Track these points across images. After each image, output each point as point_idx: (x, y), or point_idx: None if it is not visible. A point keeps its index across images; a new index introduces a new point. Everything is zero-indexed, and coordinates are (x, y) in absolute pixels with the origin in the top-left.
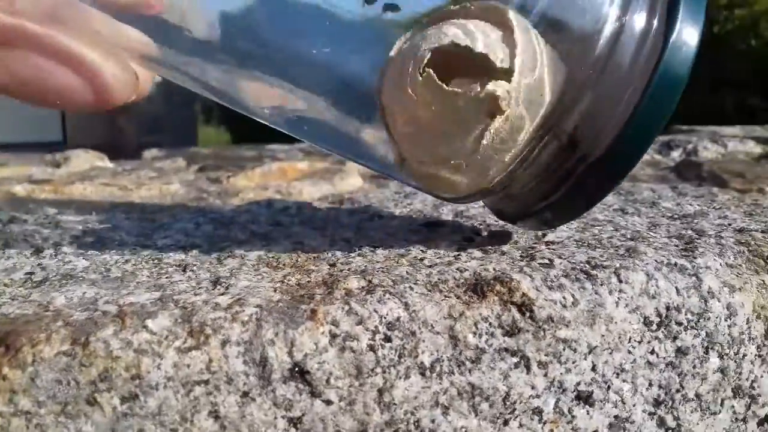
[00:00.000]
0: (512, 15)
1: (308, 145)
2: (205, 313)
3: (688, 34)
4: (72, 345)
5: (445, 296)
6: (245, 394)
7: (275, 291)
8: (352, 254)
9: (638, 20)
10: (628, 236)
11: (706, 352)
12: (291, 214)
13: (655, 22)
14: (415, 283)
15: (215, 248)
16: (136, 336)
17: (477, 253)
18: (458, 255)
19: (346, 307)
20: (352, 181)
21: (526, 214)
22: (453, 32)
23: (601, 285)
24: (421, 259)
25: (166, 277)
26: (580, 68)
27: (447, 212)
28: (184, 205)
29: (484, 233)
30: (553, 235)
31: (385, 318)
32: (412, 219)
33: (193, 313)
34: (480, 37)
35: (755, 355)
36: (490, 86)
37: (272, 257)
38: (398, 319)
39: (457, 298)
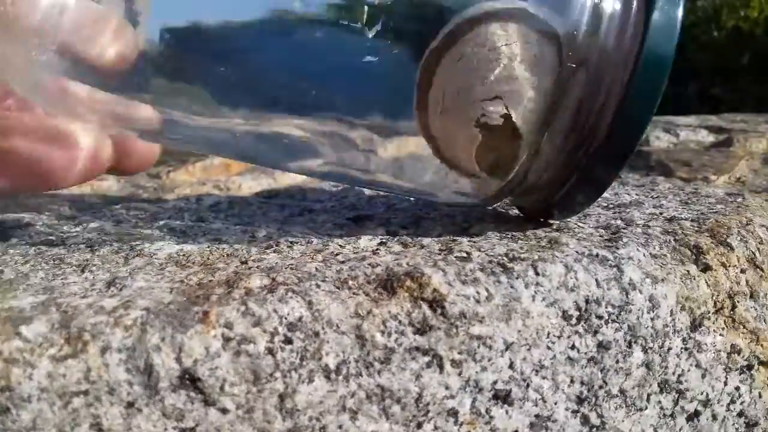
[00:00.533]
0: None
1: None
2: (86, 317)
3: (670, 10)
4: None
5: (354, 293)
6: (130, 405)
7: (171, 292)
8: (268, 251)
9: (615, 3)
10: (554, 227)
11: (629, 346)
12: (219, 210)
13: (635, 3)
14: (322, 281)
15: (126, 247)
16: (7, 344)
17: (396, 247)
18: (377, 249)
19: (243, 308)
20: (293, 175)
21: (541, 208)
22: None
23: (517, 278)
24: (337, 255)
25: (61, 279)
26: (567, 58)
27: (379, 205)
28: (112, 202)
29: (411, 225)
30: (478, 227)
31: (285, 318)
32: (342, 213)
33: (72, 318)
34: None
35: (681, 348)
36: None
37: (183, 255)
38: (300, 319)
39: (366, 295)
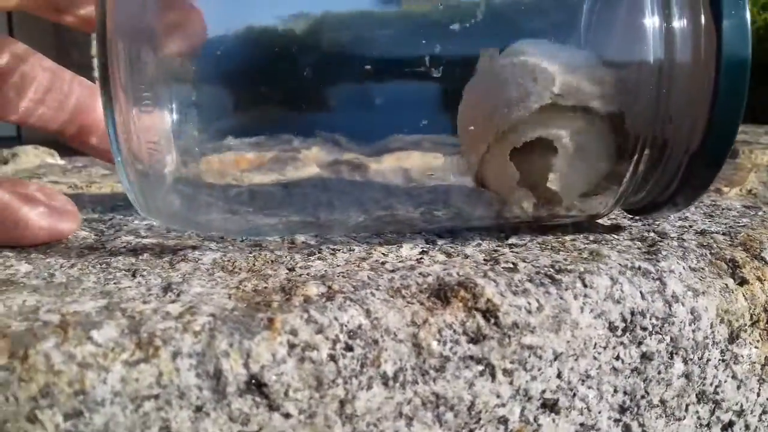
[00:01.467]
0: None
1: None
2: (155, 322)
3: (738, 19)
4: (10, 358)
5: (408, 302)
6: (199, 409)
7: (230, 298)
8: (312, 258)
9: (682, 24)
10: (591, 239)
11: (671, 358)
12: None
13: (702, 16)
14: (377, 289)
15: (168, 251)
16: (80, 348)
17: (440, 257)
18: (420, 259)
19: (305, 315)
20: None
21: (648, 209)
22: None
23: (566, 290)
24: (383, 263)
25: (114, 283)
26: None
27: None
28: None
29: (447, 235)
30: (516, 237)
31: (346, 326)
32: None
33: (141, 323)
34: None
35: (719, 360)
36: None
37: (228, 261)
38: (360, 326)
39: (421, 304)
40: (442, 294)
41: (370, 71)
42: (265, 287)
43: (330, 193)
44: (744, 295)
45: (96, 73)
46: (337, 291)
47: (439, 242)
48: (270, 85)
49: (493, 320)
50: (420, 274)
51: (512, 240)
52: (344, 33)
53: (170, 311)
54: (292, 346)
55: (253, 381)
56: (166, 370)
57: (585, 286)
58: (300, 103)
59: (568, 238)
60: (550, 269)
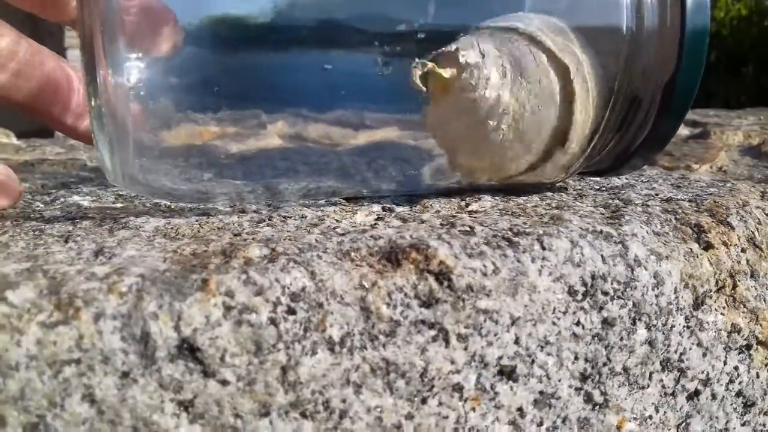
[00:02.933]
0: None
1: None
2: (77, 283)
3: None
4: None
5: (357, 265)
6: (125, 375)
7: (164, 261)
8: (261, 224)
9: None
10: (554, 205)
11: (634, 324)
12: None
13: None
14: (324, 251)
15: (109, 219)
16: None
17: (395, 222)
18: (375, 224)
19: (244, 277)
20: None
21: (615, 166)
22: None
23: (524, 252)
24: (334, 228)
25: (44, 248)
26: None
27: None
28: (85, 179)
29: (407, 203)
30: (477, 204)
31: (288, 288)
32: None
33: (62, 284)
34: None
35: (683, 326)
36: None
37: (171, 228)
38: (303, 289)
39: (370, 266)
40: (393, 256)
41: (327, 45)
42: (205, 251)
43: (287, 161)
44: (709, 260)
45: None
46: (280, 253)
47: (397, 209)
48: (234, 62)
49: (446, 283)
50: (371, 237)
51: (473, 207)
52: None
53: (96, 272)
54: (228, 308)
55: (185, 345)
56: (87, 332)
57: (544, 248)
58: (264, 80)
59: (530, 204)
60: (508, 232)
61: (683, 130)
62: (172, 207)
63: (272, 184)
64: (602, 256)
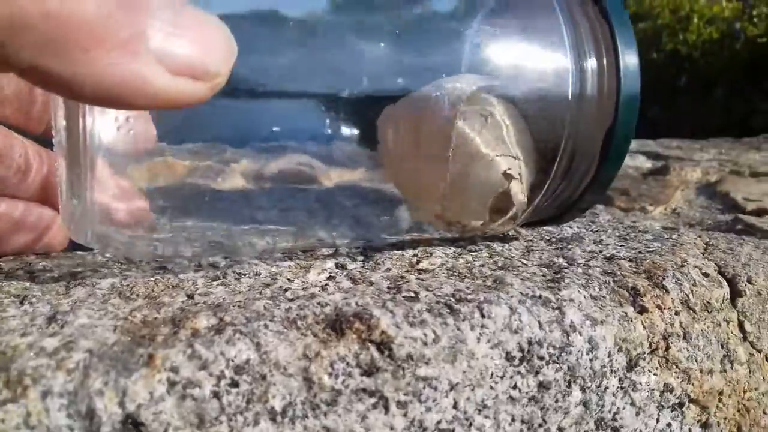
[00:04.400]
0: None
1: None
2: (27, 360)
3: (631, 60)
4: None
5: (302, 334)
6: None
7: (115, 330)
8: (215, 282)
9: (592, 64)
10: (500, 264)
11: (569, 386)
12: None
13: (605, 61)
14: (271, 320)
15: (66, 276)
16: None
17: (345, 283)
18: (326, 285)
19: (189, 351)
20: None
21: (560, 214)
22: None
23: (464, 320)
24: (285, 290)
25: (0, 311)
26: (559, 116)
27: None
28: None
29: (360, 258)
30: (427, 261)
31: (233, 361)
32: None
33: (13, 360)
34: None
35: (617, 387)
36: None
37: (127, 286)
38: (248, 361)
39: (315, 336)
40: (337, 326)
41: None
42: (156, 318)
43: (245, 212)
44: (643, 324)
45: None
46: (227, 323)
47: (350, 266)
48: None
49: (387, 352)
50: (318, 303)
51: (423, 264)
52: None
53: (46, 346)
54: (172, 383)
55: (130, 420)
56: (34, 410)
57: (483, 316)
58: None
59: (477, 263)
60: (451, 298)
61: (646, 163)
62: (129, 258)
63: (229, 237)
64: (539, 322)
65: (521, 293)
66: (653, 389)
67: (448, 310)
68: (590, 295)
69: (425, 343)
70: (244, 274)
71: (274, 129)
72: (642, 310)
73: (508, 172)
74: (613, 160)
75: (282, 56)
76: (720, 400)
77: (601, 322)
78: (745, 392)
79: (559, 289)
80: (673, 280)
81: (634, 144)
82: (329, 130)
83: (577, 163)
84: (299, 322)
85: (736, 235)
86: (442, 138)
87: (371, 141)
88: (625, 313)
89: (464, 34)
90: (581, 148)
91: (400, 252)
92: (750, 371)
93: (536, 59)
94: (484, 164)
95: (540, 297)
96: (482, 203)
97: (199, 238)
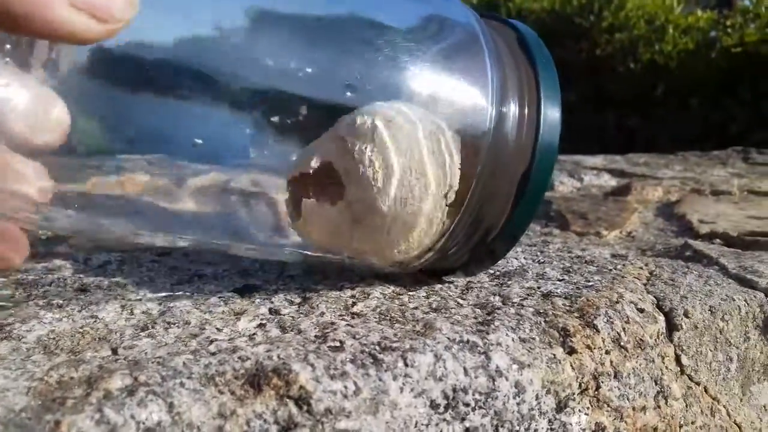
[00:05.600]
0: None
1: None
2: None
3: (552, 112)
4: None
5: (220, 392)
6: None
7: (28, 393)
8: (143, 333)
9: (513, 110)
10: (434, 306)
11: (496, 430)
12: (107, 273)
13: (526, 110)
14: (188, 377)
15: None
16: None
17: (273, 332)
18: (254, 334)
19: (98, 416)
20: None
21: (448, 271)
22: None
23: (387, 370)
24: (211, 342)
25: None
26: (474, 157)
27: (273, 269)
28: None
29: (297, 300)
30: (362, 304)
31: (143, 424)
32: (231, 281)
33: None
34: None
35: (547, 429)
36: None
37: (53, 338)
38: (159, 423)
39: (232, 393)
40: (256, 381)
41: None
42: (72, 378)
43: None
44: (572, 365)
45: None
46: (142, 383)
47: (284, 311)
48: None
49: (305, 407)
50: (239, 358)
51: (358, 307)
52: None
53: None
54: None
55: None
56: None
57: (407, 365)
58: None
59: (411, 305)
60: (377, 347)
61: (610, 181)
62: (64, 306)
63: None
64: (465, 368)
65: (449, 338)
66: (584, 429)
67: (372, 360)
68: (519, 337)
69: (345, 396)
70: (174, 323)
71: (196, 141)
72: (571, 351)
73: (412, 211)
74: (524, 208)
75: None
76: None
77: (529, 365)
78: (681, 427)
79: (488, 333)
80: (605, 319)
81: (601, 160)
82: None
83: (488, 208)
84: (218, 379)
85: (683, 263)
86: (346, 174)
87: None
88: (554, 354)
89: (391, 61)
90: (493, 193)
91: (337, 293)
92: (686, 405)
93: (458, 96)
94: (388, 203)
95: (468, 342)
96: (382, 242)
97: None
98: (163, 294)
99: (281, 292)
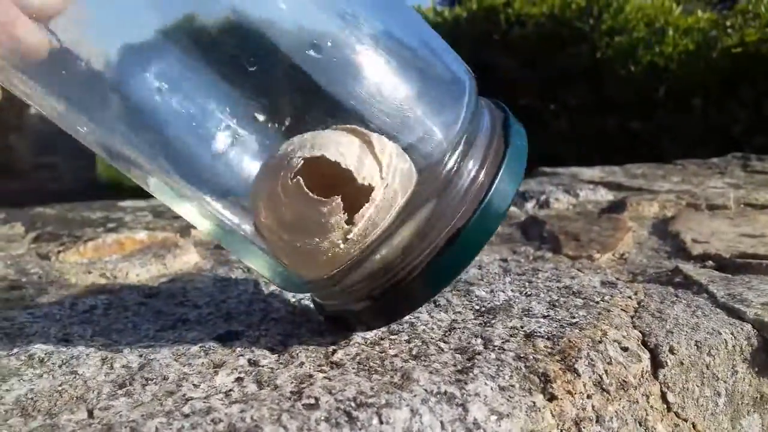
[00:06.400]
0: (375, 138)
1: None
2: None
3: (505, 187)
4: None
5: None
6: None
7: None
8: (120, 391)
9: (472, 167)
10: (414, 352)
11: None
12: (91, 320)
13: (483, 173)
14: None
15: None
16: None
17: (250, 388)
18: (230, 391)
19: None
20: (186, 258)
21: (347, 311)
22: (325, 145)
23: (361, 429)
24: (187, 401)
25: None
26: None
27: (257, 312)
28: None
29: (278, 348)
30: (343, 352)
31: None
32: (215, 326)
33: None
34: (347, 153)
35: None
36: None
37: (31, 399)
38: None
39: None
40: None
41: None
42: None
43: None
44: (552, 412)
45: None
46: None
47: (262, 362)
48: None
49: None
50: (212, 420)
51: (338, 355)
52: None
53: None
54: None
55: None
56: None
57: (381, 422)
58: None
59: (392, 352)
60: (352, 403)
61: (607, 196)
62: (45, 360)
63: None
64: (441, 422)
65: (426, 390)
66: None
67: (347, 418)
68: (499, 385)
69: None
70: (152, 380)
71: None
72: (552, 398)
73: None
74: (448, 260)
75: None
76: None
77: (507, 415)
78: None
79: (467, 383)
80: (586, 362)
81: (599, 172)
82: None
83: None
84: None
85: (673, 290)
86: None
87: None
88: (534, 402)
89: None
90: (419, 233)
91: (318, 339)
92: None
93: (428, 121)
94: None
95: (445, 393)
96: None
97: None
98: (145, 344)
99: (263, 338)
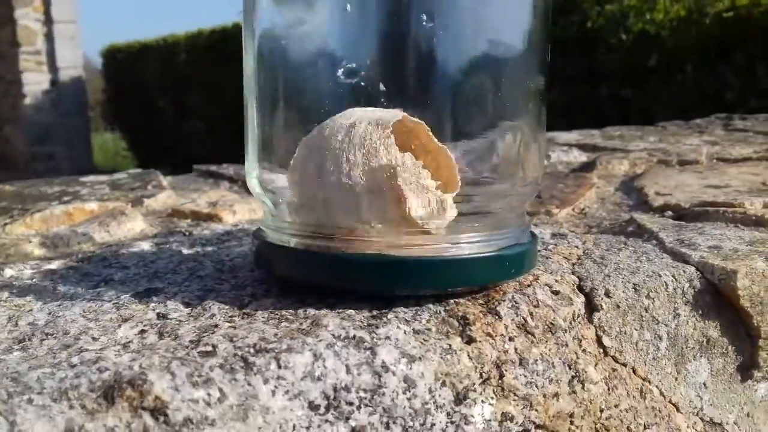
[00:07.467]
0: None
1: (130, 177)
2: None
3: None
4: None
5: (71, 406)
6: None
7: None
8: (16, 346)
9: None
10: (330, 300)
11: (388, 428)
12: (14, 284)
13: None
14: (39, 393)
15: None
16: None
17: (150, 339)
18: (129, 342)
19: None
20: (130, 225)
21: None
22: None
23: (256, 374)
24: (81, 352)
25: None
26: None
27: (184, 271)
28: None
29: (194, 302)
30: (258, 303)
31: None
32: (137, 285)
33: None
34: None
35: (447, 422)
36: None
37: None
38: None
39: (83, 407)
40: (110, 394)
41: None
42: None
43: None
44: (469, 355)
45: None
46: None
47: (172, 315)
48: None
49: (162, 418)
50: (98, 369)
51: (252, 306)
52: None
53: None
54: None
55: None
56: None
57: (280, 367)
58: None
59: (309, 301)
60: (251, 350)
61: (580, 157)
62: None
63: None
64: (347, 365)
65: (334, 335)
66: (489, 420)
67: (242, 364)
68: (413, 329)
69: (208, 404)
70: (52, 335)
71: None
72: (470, 341)
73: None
74: None
75: None
76: (572, 423)
77: (420, 357)
78: (602, 411)
79: (378, 327)
80: (510, 305)
81: (576, 135)
82: None
83: None
84: (71, 393)
85: (624, 238)
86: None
87: None
88: (450, 345)
89: None
90: None
91: (238, 293)
92: (609, 388)
93: None
94: None
95: (354, 338)
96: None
97: None
98: (59, 303)
99: (182, 293)
